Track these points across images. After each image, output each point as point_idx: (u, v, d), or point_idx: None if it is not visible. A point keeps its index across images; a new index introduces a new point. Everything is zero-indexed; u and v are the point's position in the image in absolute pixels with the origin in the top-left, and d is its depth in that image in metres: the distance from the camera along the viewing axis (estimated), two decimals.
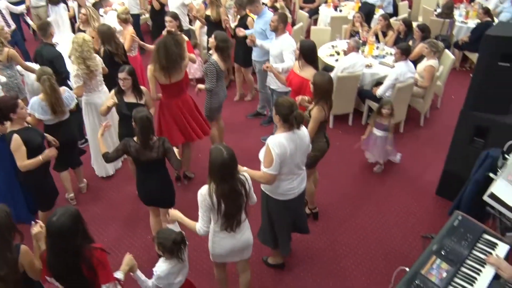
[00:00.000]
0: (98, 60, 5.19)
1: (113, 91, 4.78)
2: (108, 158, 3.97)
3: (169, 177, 4.21)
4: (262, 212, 3.98)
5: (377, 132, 5.52)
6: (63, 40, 6.98)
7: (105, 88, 5.37)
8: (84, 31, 6.11)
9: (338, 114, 6.66)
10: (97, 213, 5.15)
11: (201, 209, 3.17)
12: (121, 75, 4.56)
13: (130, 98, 4.69)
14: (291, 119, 3.45)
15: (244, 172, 3.37)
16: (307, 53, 4.79)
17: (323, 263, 4.45)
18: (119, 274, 3.02)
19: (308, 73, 4.71)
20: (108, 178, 5.75)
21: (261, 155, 3.61)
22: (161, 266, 3.19)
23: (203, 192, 3.13)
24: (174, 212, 3.42)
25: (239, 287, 3.84)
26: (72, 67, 5.06)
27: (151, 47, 5.78)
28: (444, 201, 5.14)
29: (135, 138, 3.85)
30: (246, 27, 6.75)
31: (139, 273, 3.16)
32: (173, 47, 4.69)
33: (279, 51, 5.61)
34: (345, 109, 6.68)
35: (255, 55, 6.55)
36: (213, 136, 5.65)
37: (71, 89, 5.06)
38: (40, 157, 4.07)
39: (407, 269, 2.70)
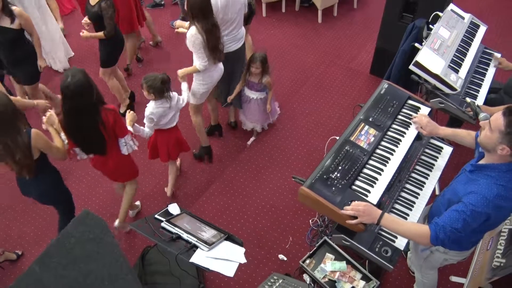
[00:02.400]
0: None
1: None
2: (109, 33, 4.25)
3: None
4: None
5: (250, 94, 4.41)
6: None
7: None
8: None
9: (270, 2, 6.47)
10: None
11: (194, 49, 3.61)
12: None
13: (3, 21, 3.94)
14: None
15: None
16: None
17: (267, 144, 4.62)
18: (128, 128, 3.31)
19: None
20: None
21: None
22: (151, 105, 3.56)
23: (193, 32, 3.53)
24: (180, 71, 3.80)
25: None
26: None
27: None
28: (377, 79, 5.31)
29: None
30: None
31: (137, 125, 3.47)
32: None
33: None
34: None
35: None
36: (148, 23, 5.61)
37: None
38: None
39: (337, 138, 2.84)
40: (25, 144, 2.79)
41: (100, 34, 4.27)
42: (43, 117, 3.10)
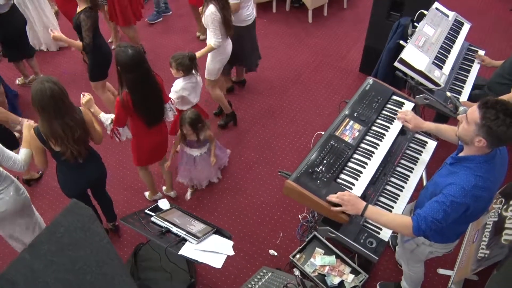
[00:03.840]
0: None
1: None
2: (87, 45, 4.02)
3: None
4: None
5: (191, 152, 3.96)
6: None
7: None
8: None
9: (261, 2, 6.55)
10: None
11: (213, 25, 3.89)
12: None
13: None
14: None
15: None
16: None
17: (257, 142, 4.69)
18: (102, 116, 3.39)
19: None
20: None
21: None
22: (179, 82, 3.75)
23: (213, 10, 3.84)
24: (197, 53, 3.95)
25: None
26: None
27: None
28: (366, 77, 5.37)
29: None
30: None
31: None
32: None
33: None
34: None
35: None
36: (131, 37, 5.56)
37: None
38: None
39: (323, 133, 2.91)
40: (82, 119, 2.89)
41: (78, 43, 4.07)
42: (82, 96, 3.19)
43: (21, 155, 2.93)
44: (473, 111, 2.16)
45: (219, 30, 3.95)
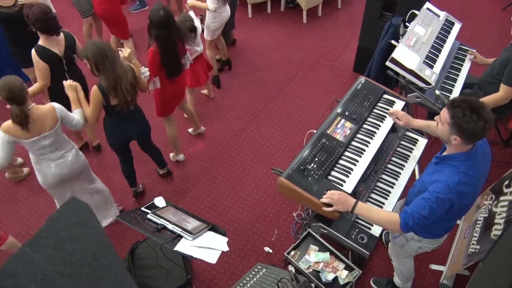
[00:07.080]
0: None
1: None
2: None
3: None
4: None
5: None
6: None
7: None
8: None
9: (256, 2, 6.60)
10: None
11: None
12: None
13: None
14: None
15: None
16: None
17: (252, 141, 4.75)
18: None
19: None
20: None
21: None
22: None
23: None
24: (190, 1, 4.49)
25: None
26: None
27: None
28: None
29: None
30: None
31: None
32: None
33: None
34: None
35: None
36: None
37: None
38: None
39: (314, 131, 2.98)
40: (132, 70, 3.25)
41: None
42: (120, 52, 3.44)
43: (76, 115, 3.18)
44: (444, 112, 2.26)
45: None
